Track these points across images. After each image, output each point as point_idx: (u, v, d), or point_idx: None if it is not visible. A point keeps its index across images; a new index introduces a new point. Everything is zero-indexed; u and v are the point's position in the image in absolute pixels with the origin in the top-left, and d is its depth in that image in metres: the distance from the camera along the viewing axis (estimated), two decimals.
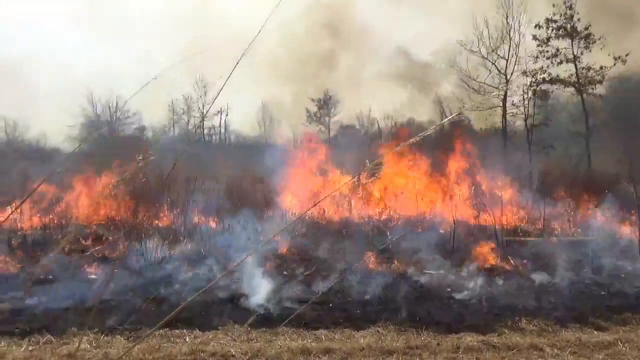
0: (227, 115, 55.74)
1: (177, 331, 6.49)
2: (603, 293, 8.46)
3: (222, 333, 6.49)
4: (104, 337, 6.29)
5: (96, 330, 6.42)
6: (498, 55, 28.28)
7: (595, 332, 6.74)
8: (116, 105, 55.27)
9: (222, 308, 7.37)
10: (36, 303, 7.55)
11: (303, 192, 15.82)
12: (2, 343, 6.04)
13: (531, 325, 6.88)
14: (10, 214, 11.21)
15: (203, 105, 55.42)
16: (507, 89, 28.39)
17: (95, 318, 6.86)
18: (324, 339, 6.37)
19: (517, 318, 7.08)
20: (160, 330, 6.43)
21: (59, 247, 10.60)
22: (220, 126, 56.67)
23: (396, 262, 10.03)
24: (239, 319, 6.93)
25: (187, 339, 6.27)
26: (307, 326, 6.75)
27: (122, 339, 6.27)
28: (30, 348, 5.87)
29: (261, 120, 58.81)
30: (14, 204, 13.07)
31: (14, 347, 5.92)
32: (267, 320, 6.93)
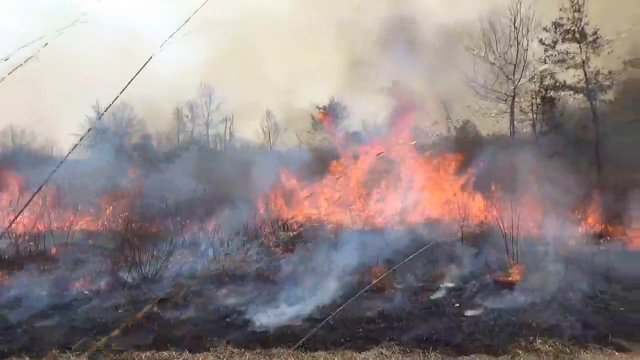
0: (232, 123, 55.38)
1: (165, 353, 6.05)
2: (622, 309, 7.91)
3: (214, 355, 6.04)
4: (86, 359, 5.87)
5: (79, 352, 6.00)
6: (505, 60, 27.80)
7: (616, 353, 6.22)
8: (122, 113, 55.21)
9: (214, 327, 6.93)
10: (18, 320, 7.13)
11: None
12: None
13: (547, 346, 6.37)
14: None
15: (208, 114, 55.24)
16: (514, 95, 27.90)
17: (80, 338, 6.45)
18: None
19: (531, 338, 6.58)
20: (147, 352, 6.01)
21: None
22: (225, 133, 56.36)
23: (398, 275, 9.55)
24: (231, 339, 6.49)
25: None
26: (304, 347, 6.29)
27: None
28: None
29: (266, 128, 58.32)
30: None
31: None
32: (263, 340, 6.49)
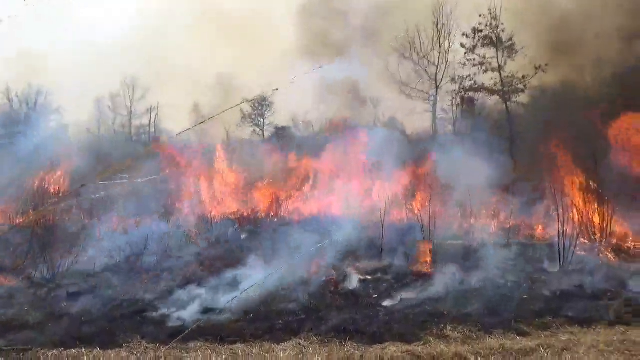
0: (157, 114, 53.33)
1: (74, 351, 5.79)
2: (525, 297, 8.48)
3: (127, 351, 5.86)
4: None
5: None
6: (428, 61, 28.81)
7: (518, 337, 6.68)
8: (35, 100, 51.52)
9: (128, 322, 6.71)
10: None
11: None
12: None
13: (456, 333, 6.73)
14: None
15: (131, 103, 52.85)
16: (436, 95, 28.99)
17: None
18: (240, 354, 5.90)
19: (442, 325, 6.91)
20: (54, 351, 5.72)
21: None
22: (149, 125, 54.26)
23: (324, 267, 9.67)
24: (147, 334, 6.31)
25: None
26: (223, 340, 6.25)
27: None
28: None
29: (194, 121, 56.72)
30: None
31: None
32: (180, 334, 6.35)
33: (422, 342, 6.35)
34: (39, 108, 49.95)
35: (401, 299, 8.15)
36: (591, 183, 13.91)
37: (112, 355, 5.72)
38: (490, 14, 27.88)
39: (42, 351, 5.74)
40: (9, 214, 12.96)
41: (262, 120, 53.70)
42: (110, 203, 12.44)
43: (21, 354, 5.71)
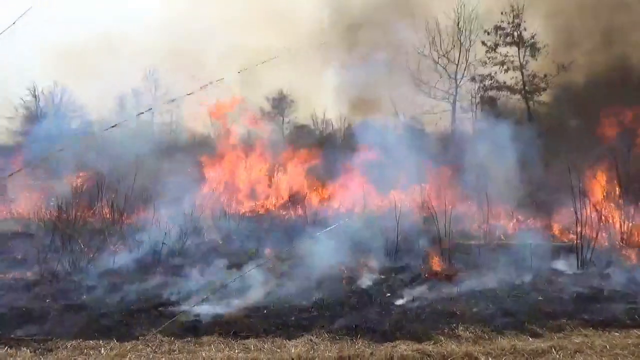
0: (178, 112, 54.01)
1: (91, 342, 5.97)
2: (540, 298, 8.42)
3: (143, 344, 6.02)
4: (7, 349, 5.72)
5: (3, 343, 5.85)
6: (448, 60, 28.72)
7: (530, 339, 6.65)
8: (60, 97, 52.62)
9: (145, 315, 6.88)
10: None
11: None
12: None
13: (468, 332, 6.73)
14: None
15: (153, 101, 53.54)
16: (456, 94, 28.90)
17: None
18: (252, 348, 6.01)
19: (454, 325, 6.92)
20: (73, 342, 5.91)
21: None
22: (171, 122, 54.90)
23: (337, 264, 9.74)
24: (163, 327, 6.46)
25: (102, 351, 5.77)
26: (236, 335, 6.37)
27: (29, 351, 5.70)
28: None
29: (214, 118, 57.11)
30: None
31: None
32: (194, 329, 6.52)
33: (433, 341, 6.38)
34: (64, 105, 50.99)
35: (414, 298, 8.16)
36: (613, 184, 13.72)
37: (129, 347, 5.88)
38: (513, 11, 27.66)
39: (61, 341, 5.93)
40: (33, 209, 13.37)
41: (281, 118, 53.96)
42: (133, 198, 12.73)
43: (41, 343, 5.90)
